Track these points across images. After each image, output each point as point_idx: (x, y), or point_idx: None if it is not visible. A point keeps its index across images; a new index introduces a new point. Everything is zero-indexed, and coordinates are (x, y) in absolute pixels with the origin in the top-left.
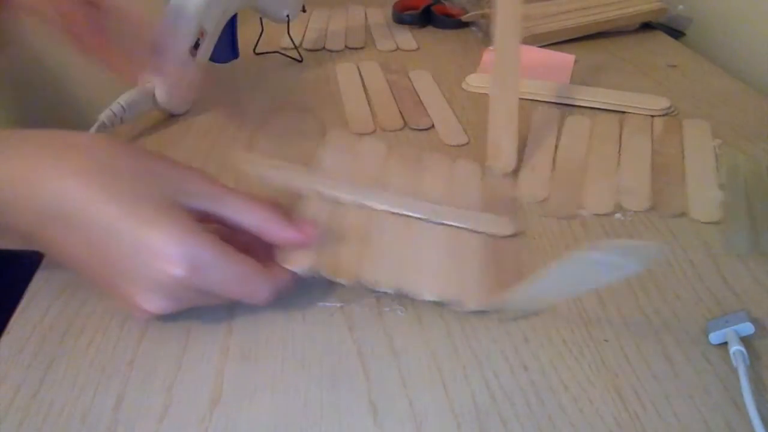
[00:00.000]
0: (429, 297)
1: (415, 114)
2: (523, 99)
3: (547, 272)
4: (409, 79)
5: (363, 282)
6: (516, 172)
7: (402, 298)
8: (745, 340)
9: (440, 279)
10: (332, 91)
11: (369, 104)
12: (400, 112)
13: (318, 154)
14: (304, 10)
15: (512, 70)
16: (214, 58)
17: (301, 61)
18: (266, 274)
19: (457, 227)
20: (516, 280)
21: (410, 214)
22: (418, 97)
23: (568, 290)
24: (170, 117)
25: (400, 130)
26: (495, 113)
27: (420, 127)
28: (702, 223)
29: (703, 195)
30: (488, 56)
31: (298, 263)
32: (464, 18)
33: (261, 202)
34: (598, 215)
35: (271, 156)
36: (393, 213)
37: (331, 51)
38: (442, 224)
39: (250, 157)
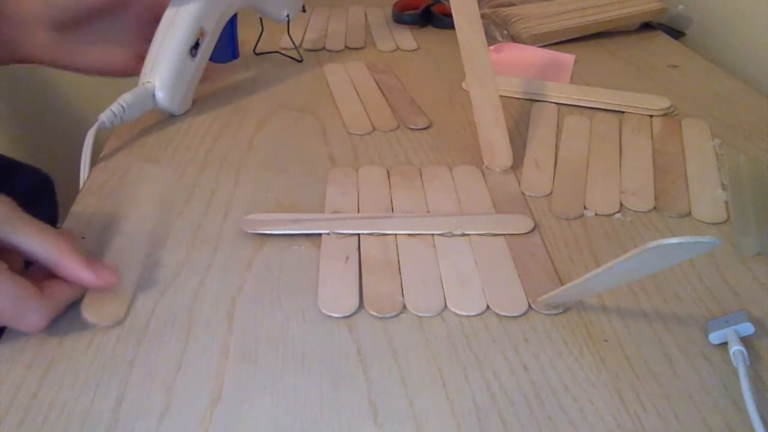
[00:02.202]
0: (476, 312)
1: (411, 113)
2: (521, 98)
3: (612, 264)
4: (398, 79)
5: (411, 312)
6: (518, 168)
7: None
8: (745, 340)
9: (481, 291)
10: (331, 92)
11: (362, 105)
12: (394, 112)
13: (326, 195)
14: (304, 10)
15: (484, 66)
16: (214, 58)
17: (301, 61)
18: (40, 298)
19: (479, 234)
20: (550, 274)
21: (430, 232)
22: (410, 95)
23: (623, 280)
24: (170, 117)
25: (396, 129)
26: (480, 113)
27: (417, 127)
28: (703, 223)
29: (707, 195)
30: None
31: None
32: None
33: (58, 235)
34: (599, 215)
35: (282, 207)
36: (412, 235)
37: (331, 51)
38: (464, 235)
39: (266, 217)
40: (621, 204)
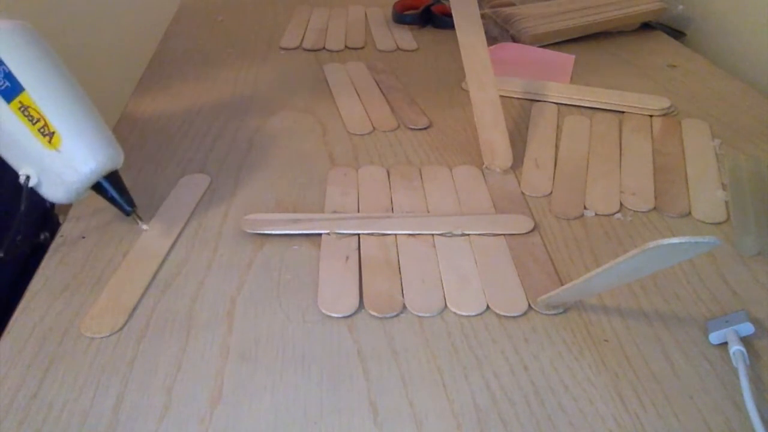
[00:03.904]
0: (476, 312)
1: (411, 113)
2: (521, 98)
3: (612, 264)
4: (398, 79)
5: (411, 312)
6: (517, 168)
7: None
8: (745, 340)
9: (481, 291)
10: (331, 92)
11: (362, 105)
12: (394, 112)
13: (326, 195)
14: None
15: (484, 66)
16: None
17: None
18: None
19: (479, 234)
20: (551, 274)
21: (430, 232)
22: (411, 95)
23: (623, 280)
24: (169, 116)
25: (396, 129)
26: (480, 113)
27: (417, 127)
28: (703, 223)
29: (707, 195)
30: None
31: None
32: None
33: None
34: (599, 215)
35: (282, 207)
36: (412, 235)
37: (331, 51)
38: (464, 235)
39: (266, 216)
40: (621, 204)
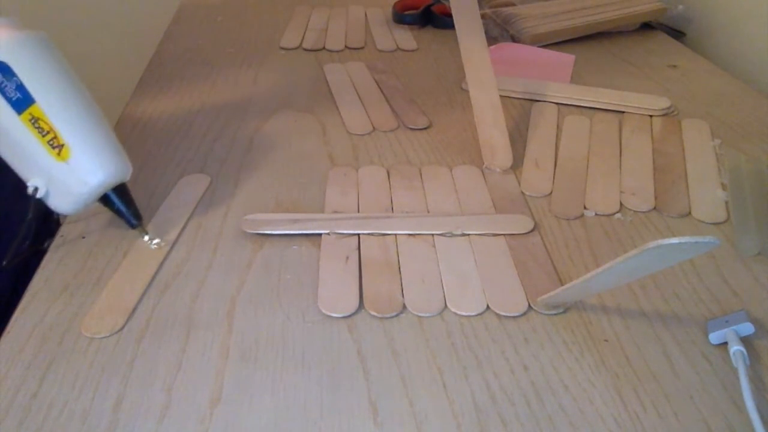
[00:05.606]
0: (477, 312)
1: (411, 113)
2: (521, 98)
3: (612, 264)
4: (398, 79)
5: (411, 312)
6: (518, 168)
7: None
8: (745, 340)
9: (481, 291)
10: (331, 92)
11: (362, 105)
12: (394, 112)
13: (326, 195)
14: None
15: (484, 66)
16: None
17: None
18: None
19: (479, 234)
20: (550, 274)
21: (430, 232)
22: (410, 95)
23: (623, 280)
24: (170, 115)
25: (396, 129)
26: (479, 113)
27: (417, 127)
28: (703, 223)
29: (706, 195)
30: None
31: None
32: None
33: None
34: (599, 215)
35: (282, 207)
36: (412, 235)
37: (331, 51)
38: (464, 235)
39: (266, 216)
40: (621, 204)
